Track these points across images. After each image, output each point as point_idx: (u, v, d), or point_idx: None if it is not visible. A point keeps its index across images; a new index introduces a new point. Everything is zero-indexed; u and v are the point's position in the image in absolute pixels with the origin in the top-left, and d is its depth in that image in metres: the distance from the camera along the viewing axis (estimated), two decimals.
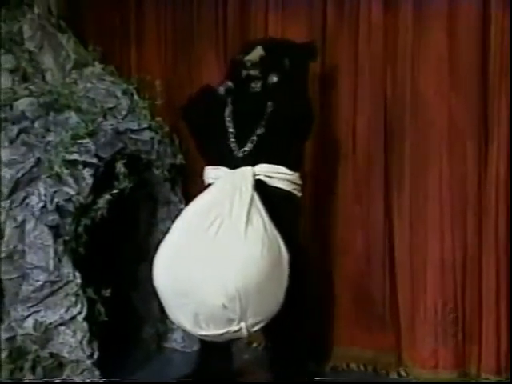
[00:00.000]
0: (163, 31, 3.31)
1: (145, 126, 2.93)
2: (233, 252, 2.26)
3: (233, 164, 2.52)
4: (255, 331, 2.37)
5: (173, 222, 2.97)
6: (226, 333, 2.28)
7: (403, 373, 2.85)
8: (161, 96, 3.02)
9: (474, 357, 2.73)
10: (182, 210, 2.98)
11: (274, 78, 2.61)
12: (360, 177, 2.92)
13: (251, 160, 2.50)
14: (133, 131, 2.90)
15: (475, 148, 2.73)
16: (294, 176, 2.57)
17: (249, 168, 2.48)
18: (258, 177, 2.47)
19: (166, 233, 2.98)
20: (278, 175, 2.52)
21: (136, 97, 3.02)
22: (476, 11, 2.69)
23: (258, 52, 2.67)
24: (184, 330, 2.56)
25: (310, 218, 2.98)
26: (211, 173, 2.60)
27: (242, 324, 2.26)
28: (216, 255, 2.27)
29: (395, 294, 2.86)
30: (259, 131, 2.54)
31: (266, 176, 2.49)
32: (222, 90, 2.68)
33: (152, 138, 2.94)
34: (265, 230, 2.32)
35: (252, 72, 2.63)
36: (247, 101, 2.63)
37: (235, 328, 2.27)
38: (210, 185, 2.55)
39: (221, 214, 2.33)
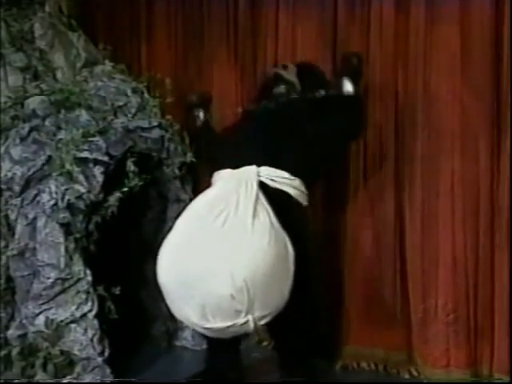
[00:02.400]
0: (173, 29, 3.31)
1: (155, 124, 2.93)
2: (240, 243, 2.26)
3: (238, 166, 2.51)
4: (262, 325, 2.35)
5: None
6: (233, 325, 2.27)
7: (414, 372, 2.84)
8: (171, 94, 3.02)
9: (486, 356, 2.72)
10: None
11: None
12: (371, 175, 2.90)
13: (256, 163, 2.49)
14: (143, 129, 2.90)
15: (487, 146, 2.71)
16: (297, 182, 2.54)
17: (253, 167, 2.47)
18: (260, 178, 2.45)
19: None
20: (282, 180, 2.50)
21: (146, 95, 3.02)
22: (488, 10, 2.68)
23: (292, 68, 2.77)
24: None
25: (321, 217, 2.97)
26: (217, 176, 2.60)
27: (249, 316, 2.25)
28: (223, 246, 2.26)
29: (406, 293, 2.85)
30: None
31: (270, 179, 2.48)
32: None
33: (162, 136, 2.94)
34: (271, 224, 2.32)
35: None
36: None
37: (242, 320, 2.25)
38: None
39: (227, 207, 2.33)
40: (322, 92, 2.72)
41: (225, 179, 2.49)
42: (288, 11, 3.04)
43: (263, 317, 2.29)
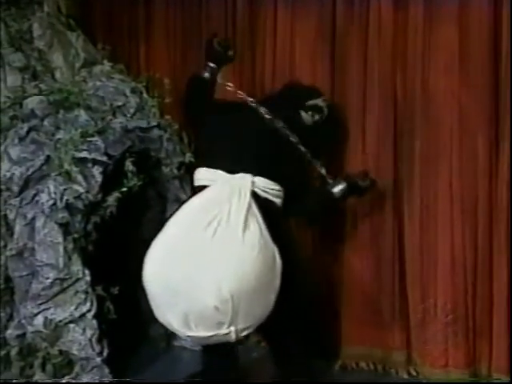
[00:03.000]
0: (172, 29, 3.30)
1: (154, 124, 2.93)
2: (229, 254, 2.25)
3: (231, 169, 2.48)
4: (243, 336, 2.36)
5: None
6: (215, 335, 2.27)
7: (413, 372, 2.84)
8: (170, 94, 3.02)
9: (485, 356, 2.72)
10: None
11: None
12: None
13: (250, 171, 2.47)
14: (142, 129, 2.90)
15: (486, 146, 2.71)
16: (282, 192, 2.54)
17: (248, 176, 2.45)
18: (254, 188, 2.44)
19: None
20: (272, 191, 2.50)
21: (145, 95, 3.02)
22: (487, 9, 2.68)
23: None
24: None
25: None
26: (206, 174, 2.56)
27: (232, 328, 2.25)
28: (212, 256, 2.25)
29: (405, 293, 2.85)
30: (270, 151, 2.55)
31: (262, 190, 2.47)
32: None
33: (161, 136, 2.94)
34: (261, 235, 2.32)
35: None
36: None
37: (225, 331, 2.26)
38: (203, 186, 2.50)
39: (219, 215, 2.31)
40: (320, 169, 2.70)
41: (219, 184, 2.45)
42: (286, 10, 3.03)
43: (246, 328, 2.30)
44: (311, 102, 2.73)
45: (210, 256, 2.25)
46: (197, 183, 2.58)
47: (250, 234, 2.29)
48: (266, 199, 2.47)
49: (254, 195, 2.43)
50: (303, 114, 2.72)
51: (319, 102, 2.75)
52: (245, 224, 2.30)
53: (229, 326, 2.24)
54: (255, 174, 2.47)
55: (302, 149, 2.62)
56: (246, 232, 2.29)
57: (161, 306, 2.35)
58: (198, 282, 2.22)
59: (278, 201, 2.53)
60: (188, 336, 2.33)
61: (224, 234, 2.29)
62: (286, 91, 2.80)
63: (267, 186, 2.48)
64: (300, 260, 2.60)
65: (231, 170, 2.47)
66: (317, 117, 2.73)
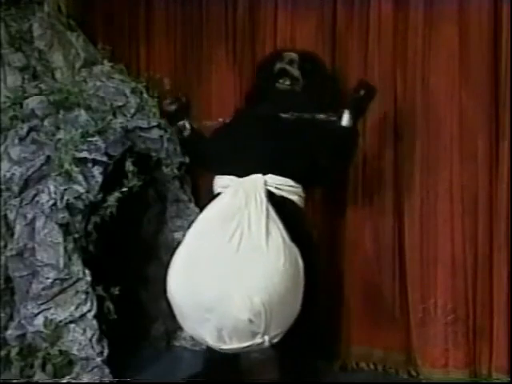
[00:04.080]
0: (172, 29, 3.30)
1: (154, 124, 2.93)
2: (256, 265, 2.24)
3: (241, 173, 2.48)
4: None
5: (182, 219, 3.01)
6: (250, 346, 2.27)
7: (413, 372, 2.84)
8: (170, 94, 3.01)
9: (485, 356, 2.71)
10: (190, 208, 3.00)
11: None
12: (370, 176, 2.90)
13: (260, 170, 2.46)
14: (142, 129, 2.90)
15: (486, 146, 2.71)
16: (300, 189, 2.55)
17: (260, 176, 2.44)
18: (267, 187, 2.43)
19: (174, 231, 3.01)
20: (287, 188, 2.49)
21: (145, 95, 3.02)
22: (487, 9, 2.68)
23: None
24: None
25: (319, 218, 2.97)
26: (219, 181, 2.57)
27: (266, 337, 2.25)
28: (239, 269, 2.23)
29: (405, 293, 2.85)
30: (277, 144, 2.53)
31: (276, 188, 2.46)
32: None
33: (161, 136, 2.94)
34: (283, 240, 2.30)
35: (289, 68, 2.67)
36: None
37: (259, 341, 2.25)
38: (218, 194, 2.50)
39: (240, 224, 2.30)
40: (322, 116, 2.62)
41: (232, 189, 2.43)
42: (287, 10, 3.03)
43: (277, 335, 2.30)
44: (277, 67, 2.72)
45: (237, 269, 2.23)
46: (215, 191, 2.58)
47: (272, 242, 2.27)
48: (282, 197, 2.46)
49: (270, 195, 2.42)
50: (277, 84, 2.70)
51: (281, 64, 2.72)
52: (267, 231, 2.28)
53: (263, 336, 2.24)
54: (266, 172, 2.45)
55: (304, 116, 2.59)
56: (268, 240, 2.27)
57: (190, 321, 2.33)
58: (228, 297, 2.20)
59: (295, 198, 2.51)
60: (223, 349, 2.30)
61: (248, 244, 2.27)
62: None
63: (281, 183, 2.47)
64: (318, 260, 2.59)
65: (242, 173, 2.46)
66: (288, 82, 2.69)
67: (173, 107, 2.78)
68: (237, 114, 2.85)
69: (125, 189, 2.74)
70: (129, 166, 2.76)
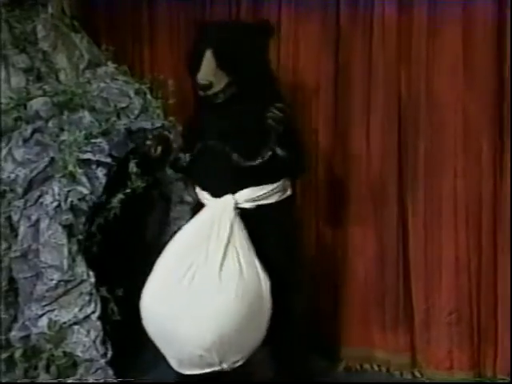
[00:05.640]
0: (176, 31, 3.30)
1: (158, 125, 2.92)
2: (207, 301, 2.24)
3: (214, 190, 2.42)
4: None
5: (186, 221, 3.00)
6: (210, 372, 2.31)
7: (417, 374, 2.83)
8: (174, 95, 3.02)
9: (490, 358, 2.72)
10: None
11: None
12: (374, 177, 2.90)
13: (231, 186, 2.39)
14: (146, 131, 2.90)
15: (490, 147, 2.71)
16: (276, 186, 2.44)
17: (229, 198, 2.38)
18: (240, 205, 2.38)
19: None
20: (262, 195, 2.42)
21: (149, 96, 3.02)
22: (491, 11, 2.67)
23: (209, 64, 2.36)
24: None
25: (323, 219, 2.97)
26: (199, 193, 2.54)
27: (224, 365, 2.29)
28: (191, 305, 2.25)
29: (409, 295, 2.85)
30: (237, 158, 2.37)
31: (248, 201, 2.40)
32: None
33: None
34: (240, 270, 2.27)
35: (210, 92, 2.38)
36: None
37: (217, 368, 2.30)
38: (201, 205, 2.48)
39: (196, 259, 2.30)
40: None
41: (201, 215, 2.41)
42: (290, 13, 3.03)
43: (239, 359, 2.32)
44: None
45: (189, 304, 2.25)
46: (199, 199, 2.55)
47: (227, 273, 2.25)
48: (258, 207, 2.41)
49: (244, 211, 2.38)
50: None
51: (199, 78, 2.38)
52: (222, 261, 2.27)
53: (220, 364, 2.28)
54: (239, 188, 2.39)
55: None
56: (222, 271, 2.25)
57: (157, 344, 2.40)
58: (181, 331, 2.25)
59: (273, 199, 2.44)
60: (187, 374, 2.36)
61: (202, 278, 2.27)
62: None
63: (255, 195, 2.40)
64: (301, 260, 2.55)
65: (214, 191, 2.42)
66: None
67: (156, 152, 2.50)
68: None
69: (128, 190, 2.74)
70: (132, 167, 2.76)
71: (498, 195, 2.71)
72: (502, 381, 2.69)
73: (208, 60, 2.37)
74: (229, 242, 2.30)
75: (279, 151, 2.31)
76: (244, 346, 2.30)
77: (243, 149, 2.37)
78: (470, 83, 2.71)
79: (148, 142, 2.51)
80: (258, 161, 2.34)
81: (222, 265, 2.27)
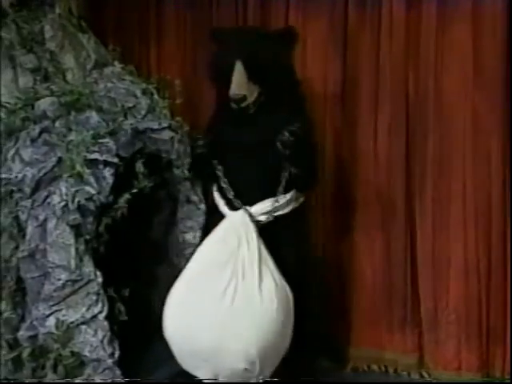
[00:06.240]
0: (183, 30, 3.30)
1: (165, 125, 2.91)
2: (250, 315, 2.28)
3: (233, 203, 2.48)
4: None
5: (192, 221, 3.00)
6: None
7: (425, 375, 2.82)
8: (180, 95, 3.01)
9: (498, 359, 2.70)
10: (201, 209, 2.99)
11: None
12: (381, 178, 2.89)
13: (251, 197, 2.46)
14: (153, 130, 2.89)
15: (499, 146, 2.70)
16: (289, 197, 2.50)
17: (244, 212, 2.43)
18: (257, 218, 2.44)
19: (185, 232, 3.00)
20: (275, 208, 2.46)
21: (156, 96, 3.01)
22: (500, 9, 2.66)
23: (241, 77, 2.39)
24: None
25: (330, 220, 2.96)
26: (219, 201, 2.59)
27: (260, 378, 2.33)
28: (234, 319, 2.28)
29: (417, 296, 2.83)
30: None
31: (266, 214, 2.45)
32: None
33: (172, 138, 2.92)
34: (275, 283, 2.34)
35: (243, 105, 2.44)
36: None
37: (253, 381, 2.33)
38: (220, 214, 2.52)
39: (234, 273, 2.33)
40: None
41: (224, 226, 2.45)
42: (298, 11, 3.02)
43: (272, 370, 2.37)
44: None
45: (232, 320, 2.28)
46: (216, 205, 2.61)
47: (266, 289, 2.31)
48: (274, 218, 2.45)
49: (260, 225, 2.42)
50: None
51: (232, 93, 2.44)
52: (259, 278, 2.32)
53: (257, 378, 2.32)
54: (255, 200, 2.44)
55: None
56: (262, 287, 2.31)
57: (186, 363, 2.41)
58: (223, 347, 2.27)
59: (288, 209, 2.49)
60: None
61: (242, 295, 2.31)
62: None
63: (268, 208, 2.45)
64: (312, 267, 2.60)
65: (233, 204, 2.48)
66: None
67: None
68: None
69: (135, 190, 2.73)
70: (139, 167, 2.76)
71: (507, 195, 2.70)
72: (509, 382, 2.67)
73: (239, 73, 2.39)
74: (260, 256, 2.35)
75: (292, 169, 2.41)
76: (279, 356, 2.36)
77: (265, 160, 2.44)
78: (479, 82, 2.70)
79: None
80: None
81: (260, 281, 2.31)
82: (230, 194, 2.52)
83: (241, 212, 2.45)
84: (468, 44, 2.70)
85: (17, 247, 2.61)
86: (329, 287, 2.88)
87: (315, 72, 2.98)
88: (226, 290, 2.32)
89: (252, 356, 2.27)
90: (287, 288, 2.37)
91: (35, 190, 2.62)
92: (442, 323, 2.78)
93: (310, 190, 2.69)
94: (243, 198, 2.48)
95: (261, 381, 2.34)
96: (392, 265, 2.87)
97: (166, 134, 2.92)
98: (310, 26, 2.98)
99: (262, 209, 2.46)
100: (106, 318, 2.60)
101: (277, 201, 2.46)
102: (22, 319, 2.60)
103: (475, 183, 2.72)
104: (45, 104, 2.75)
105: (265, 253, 2.38)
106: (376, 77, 2.88)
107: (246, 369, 2.29)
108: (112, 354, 2.59)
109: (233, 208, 2.50)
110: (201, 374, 2.38)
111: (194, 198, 3.03)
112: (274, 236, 2.43)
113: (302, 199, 2.56)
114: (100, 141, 2.67)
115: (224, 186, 2.56)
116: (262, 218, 2.45)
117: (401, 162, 2.85)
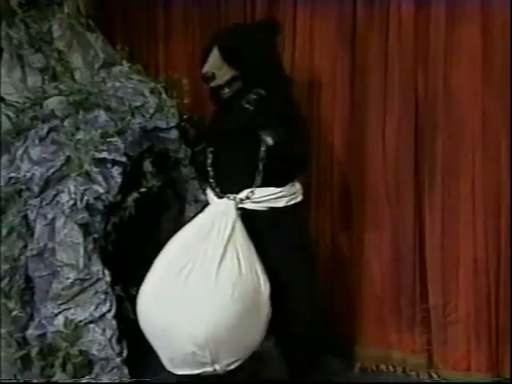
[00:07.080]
0: (191, 30, 3.30)
1: (172, 124, 2.92)
2: (202, 299, 2.23)
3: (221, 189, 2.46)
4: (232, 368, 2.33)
5: None
6: (202, 372, 2.31)
7: (434, 374, 2.81)
8: (188, 94, 3.01)
9: (508, 359, 2.68)
10: None
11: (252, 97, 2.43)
12: (390, 176, 2.87)
13: (236, 185, 2.43)
14: (161, 130, 2.90)
15: (508, 145, 2.68)
16: (283, 191, 2.45)
17: (231, 198, 2.40)
18: (242, 205, 2.40)
19: None
20: (268, 197, 2.43)
21: (164, 95, 3.02)
22: (509, 8, 2.64)
23: (213, 57, 2.48)
24: None
25: (339, 218, 2.95)
26: (208, 194, 2.59)
27: (216, 366, 2.27)
28: (186, 302, 2.25)
29: (426, 295, 2.82)
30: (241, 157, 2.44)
31: (252, 202, 2.41)
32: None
33: (180, 137, 2.93)
34: (239, 269, 2.27)
35: (213, 84, 2.49)
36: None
37: (209, 369, 2.29)
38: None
39: (194, 257, 2.30)
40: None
41: (202, 215, 2.44)
42: (306, 10, 3.01)
43: (232, 362, 2.30)
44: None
45: (184, 301, 2.25)
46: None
47: (225, 273, 2.25)
48: (265, 209, 2.41)
49: (248, 213, 2.38)
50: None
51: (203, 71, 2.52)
52: (220, 261, 2.26)
53: (212, 365, 2.27)
54: (243, 188, 2.41)
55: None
56: (220, 271, 2.25)
57: (152, 343, 2.40)
58: (174, 328, 2.25)
59: (280, 203, 2.44)
60: (178, 374, 2.36)
61: (197, 276, 2.27)
62: None
63: (259, 196, 2.41)
64: (310, 259, 2.53)
65: (222, 189, 2.45)
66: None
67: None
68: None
69: (143, 189, 2.74)
70: (147, 166, 2.76)
71: None
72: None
73: (213, 54, 2.51)
74: (229, 241, 2.30)
75: (265, 139, 2.37)
76: (239, 347, 2.28)
77: (243, 147, 2.42)
78: (489, 81, 2.68)
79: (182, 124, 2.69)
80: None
81: (220, 263, 2.26)
82: (213, 182, 2.51)
83: (224, 200, 2.42)
84: (477, 43, 2.68)
85: (25, 246, 2.63)
86: (331, 286, 2.87)
87: (323, 71, 2.98)
88: (182, 269, 2.28)
89: (200, 340, 2.20)
90: (261, 281, 2.28)
91: (44, 188, 2.63)
92: (451, 323, 2.76)
93: (298, 174, 2.53)
94: (225, 185, 2.46)
95: (220, 371, 2.27)
96: (401, 264, 2.85)
97: (174, 133, 2.93)
98: (318, 24, 2.98)
99: (248, 195, 2.39)
100: (114, 316, 2.60)
101: (265, 191, 2.40)
102: (31, 318, 2.61)
103: (484, 182, 2.71)
104: (53, 103, 2.76)
105: (242, 241, 2.31)
106: (384, 76, 2.87)
107: (194, 353, 2.23)
108: (120, 353, 2.60)
109: (219, 197, 2.47)
110: (160, 355, 2.36)
111: (202, 197, 3.03)
112: (263, 230, 2.38)
113: (299, 198, 2.50)
114: (108, 140, 2.68)
115: (210, 173, 2.55)
116: (249, 206, 2.39)
117: (410, 161, 2.83)
